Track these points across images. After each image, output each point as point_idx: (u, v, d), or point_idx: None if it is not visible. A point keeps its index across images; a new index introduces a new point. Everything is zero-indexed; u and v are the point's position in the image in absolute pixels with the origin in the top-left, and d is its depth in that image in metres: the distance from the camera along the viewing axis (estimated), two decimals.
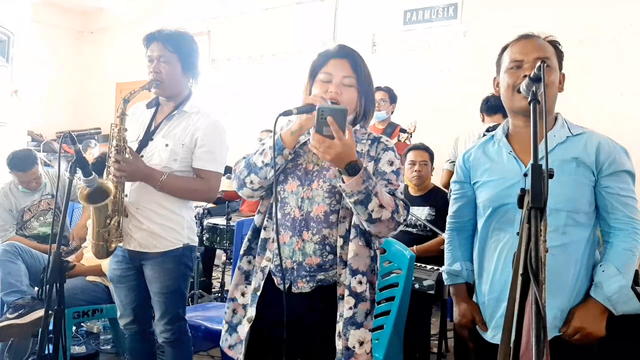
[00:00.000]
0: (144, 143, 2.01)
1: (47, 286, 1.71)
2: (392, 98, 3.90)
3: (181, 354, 2.10)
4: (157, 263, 1.99)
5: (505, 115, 1.59)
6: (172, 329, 2.04)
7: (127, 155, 1.90)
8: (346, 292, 1.39)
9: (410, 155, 3.18)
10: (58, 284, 1.73)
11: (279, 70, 5.69)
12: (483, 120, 3.27)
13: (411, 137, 3.82)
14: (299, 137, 1.45)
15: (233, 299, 1.57)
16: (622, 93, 3.84)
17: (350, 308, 1.39)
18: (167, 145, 1.98)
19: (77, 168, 1.87)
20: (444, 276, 1.67)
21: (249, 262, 1.57)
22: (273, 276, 1.49)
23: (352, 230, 1.41)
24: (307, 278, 1.44)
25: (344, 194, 1.34)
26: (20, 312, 2.49)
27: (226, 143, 2.09)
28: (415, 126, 3.83)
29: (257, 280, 1.51)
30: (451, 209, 1.67)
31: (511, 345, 0.97)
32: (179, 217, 2.03)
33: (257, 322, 1.48)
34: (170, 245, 2.00)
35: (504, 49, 1.50)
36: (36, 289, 2.78)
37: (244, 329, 1.51)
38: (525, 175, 1.41)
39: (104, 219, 1.91)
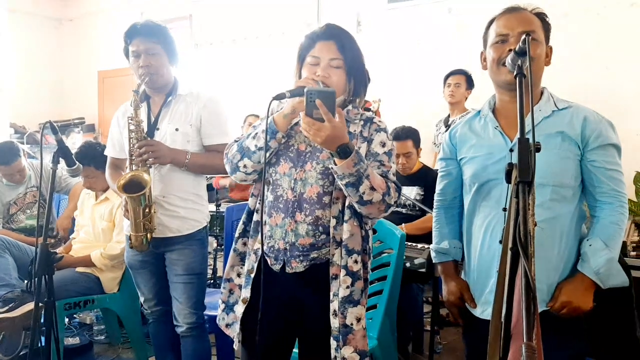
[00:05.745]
0: (149, 134, 2.02)
1: (36, 278, 1.70)
2: None
3: (203, 342, 2.11)
4: (183, 245, 2.04)
5: None
6: (197, 314, 2.07)
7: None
8: (342, 272, 1.42)
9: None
10: (47, 276, 1.72)
11: (263, 52, 5.61)
12: None
13: (375, 113, 3.77)
14: (292, 121, 1.46)
15: (229, 280, 1.61)
16: (608, 66, 3.84)
17: (348, 287, 1.42)
18: (177, 129, 2.02)
19: (60, 158, 1.84)
20: (432, 254, 1.67)
21: (244, 244, 1.60)
22: (267, 257, 1.50)
23: (347, 212, 1.43)
24: (301, 257, 1.46)
25: (335, 176, 1.36)
26: (10, 305, 2.47)
27: (227, 115, 2.16)
28: (379, 102, 3.77)
29: (250, 262, 1.54)
30: (438, 186, 1.67)
31: (502, 319, 0.98)
32: (200, 198, 2.10)
33: (252, 302, 1.51)
34: (198, 225, 2.08)
35: (490, 22, 1.49)
36: (25, 282, 2.75)
37: (239, 309, 1.55)
38: (512, 150, 1.41)
39: (143, 209, 1.93)
